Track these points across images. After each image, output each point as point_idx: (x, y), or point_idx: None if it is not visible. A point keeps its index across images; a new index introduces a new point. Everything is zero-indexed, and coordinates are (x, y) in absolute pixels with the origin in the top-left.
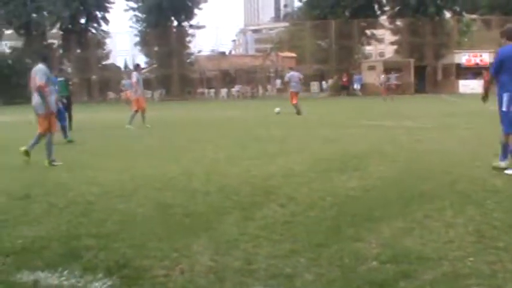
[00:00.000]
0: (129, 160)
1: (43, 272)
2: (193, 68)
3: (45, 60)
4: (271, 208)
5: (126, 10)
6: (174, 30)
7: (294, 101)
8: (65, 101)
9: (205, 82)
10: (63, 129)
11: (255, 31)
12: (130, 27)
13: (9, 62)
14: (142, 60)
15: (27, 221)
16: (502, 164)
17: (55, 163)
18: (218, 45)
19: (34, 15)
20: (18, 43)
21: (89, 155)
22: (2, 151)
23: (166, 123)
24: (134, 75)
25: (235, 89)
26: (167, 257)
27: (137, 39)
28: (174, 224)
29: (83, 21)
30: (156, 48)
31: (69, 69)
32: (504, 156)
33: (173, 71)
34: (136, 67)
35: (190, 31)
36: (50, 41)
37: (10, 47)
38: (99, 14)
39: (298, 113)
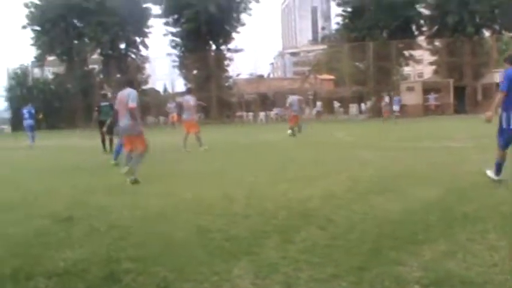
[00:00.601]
0: (169, 184)
1: None
2: (232, 91)
3: (131, 84)
4: (311, 231)
5: (164, 35)
6: (212, 54)
7: (291, 123)
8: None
9: (243, 105)
10: (117, 151)
11: (293, 54)
12: (168, 54)
13: (52, 87)
14: (181, 84)
15: (70, 244)
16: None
17: (134, 179)
18: (256, 69)
19: (76, 41)
20: (60, 69)
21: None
22: (47, 174)
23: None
24: (191, 98)
25: (274, 112)
26: (207, 280)
27: (176, 63)
28: (214, 247)
29: (122, 46)
30: (194, 72)
31: (109, 94)
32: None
33: (212, 95)
34: (190, 91)
35: (229, 55)
36: (90, 66)
37: (53, 73)
38: (138, 39)
39: (296, 133)
